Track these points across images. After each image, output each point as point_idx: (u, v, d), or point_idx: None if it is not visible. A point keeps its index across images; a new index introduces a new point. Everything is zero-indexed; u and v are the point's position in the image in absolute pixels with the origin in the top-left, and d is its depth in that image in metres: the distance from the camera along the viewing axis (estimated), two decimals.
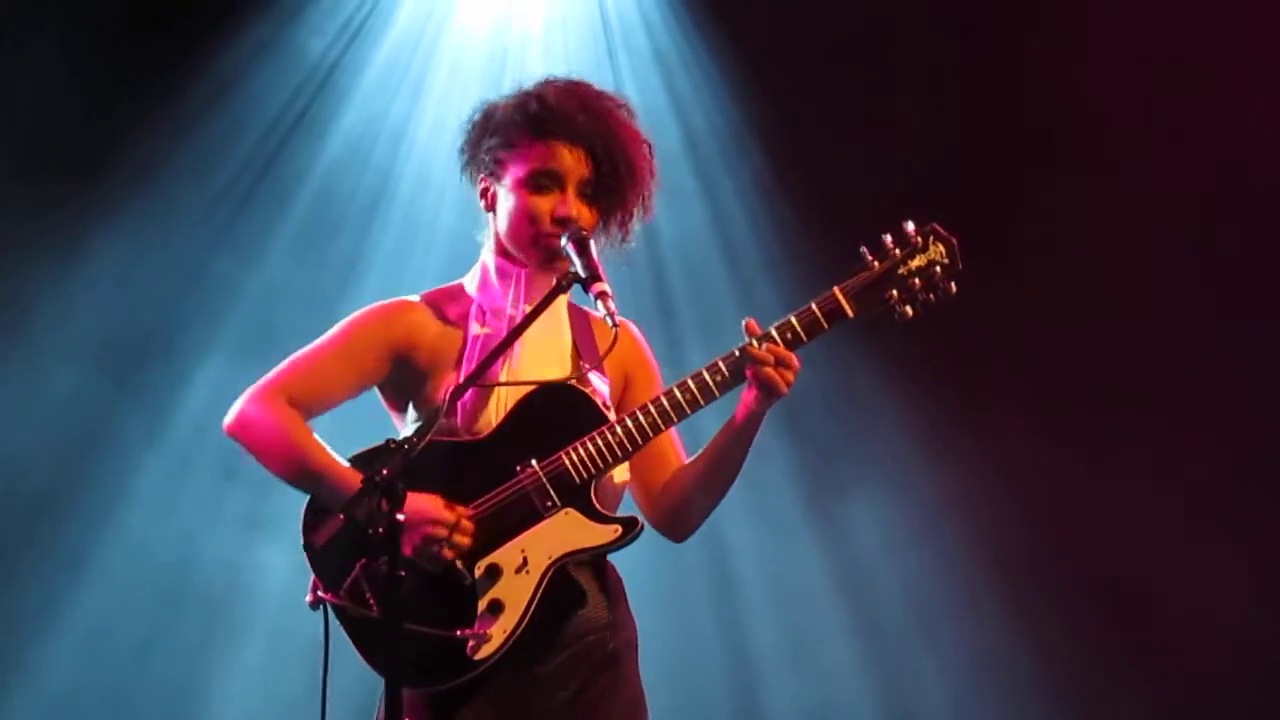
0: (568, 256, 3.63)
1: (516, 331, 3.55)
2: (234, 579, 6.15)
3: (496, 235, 3.82)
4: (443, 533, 3.55)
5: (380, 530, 3.18)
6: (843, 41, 6.26)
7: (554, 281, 3.59)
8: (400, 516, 3.19)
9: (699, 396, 3.63)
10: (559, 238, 3.69)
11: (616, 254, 3.82)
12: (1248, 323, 6.06)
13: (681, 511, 3.84)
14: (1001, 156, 6.15)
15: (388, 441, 3.39)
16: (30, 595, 6.12)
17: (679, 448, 3.90)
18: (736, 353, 3.62)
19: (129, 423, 6.23)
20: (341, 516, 3.24)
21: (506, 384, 3.70)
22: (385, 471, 3.19)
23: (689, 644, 6.19)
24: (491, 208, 3.82)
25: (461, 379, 3.68)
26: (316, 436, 3.71)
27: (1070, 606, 6.13)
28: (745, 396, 3.66)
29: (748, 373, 3.60)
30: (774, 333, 3.62)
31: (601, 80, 6.29)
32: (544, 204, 3.73)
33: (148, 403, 6.24)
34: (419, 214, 6.44)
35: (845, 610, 6.28)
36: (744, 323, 3.64)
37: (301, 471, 3.65)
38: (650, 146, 3.84)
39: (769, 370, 3.58)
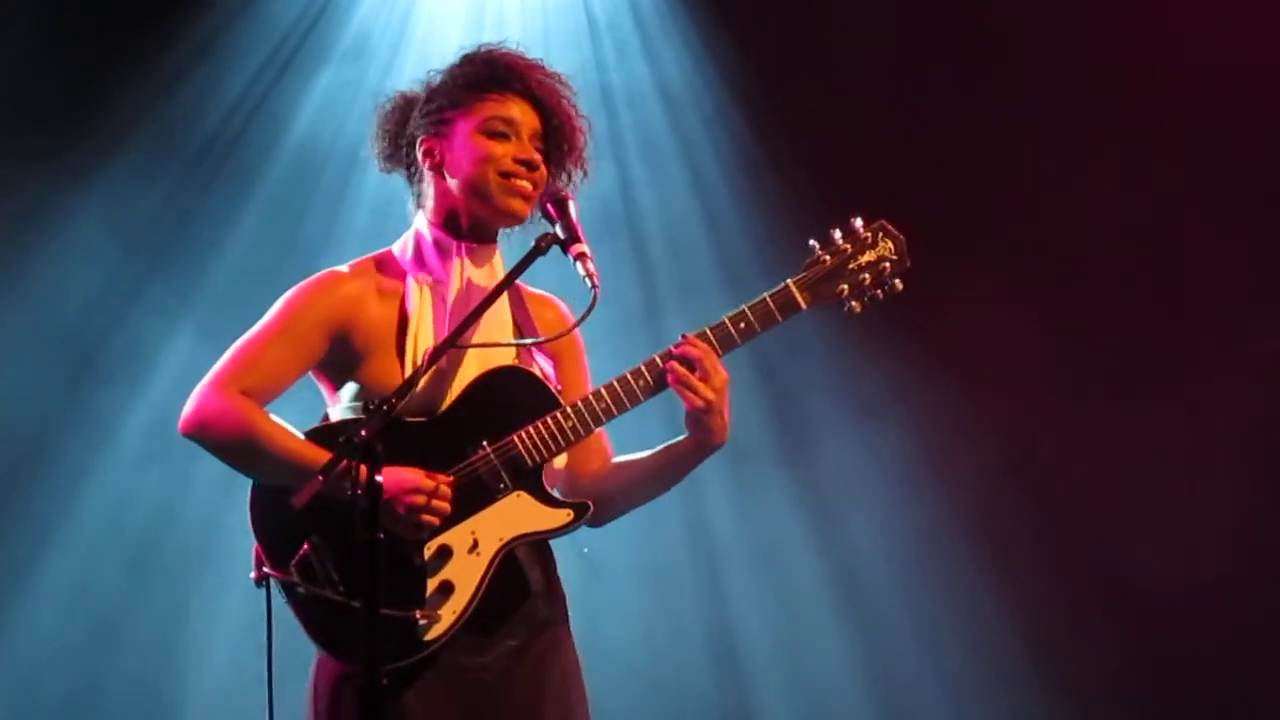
0: (547, 218, 3.60)
1: (493, 295, 3.52)
2: (209, 541, 6.13)
3: (440, 198, 3.78)
4: (423, 500, 3.54)
5: (359, 492, 3.13)
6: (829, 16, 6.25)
7: (534, 243, 3.56)
8: (380, 478, 3.14)
9: (652, 384, 3.64)
10: (524, 180, 3.70)
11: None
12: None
13: (608, 504, 3.82)
14: (989, 128, 6.16)
15: (365, 402, 3.37)
16: (5, 552, 6.10)
17: (605, 437, 3.90)
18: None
19: (100, 392, 6.21)
20: (321, 478, 3.20)
21: (477, 346, 3.67)
22: (364, 433, 3.15)
23: (668, 614, 6.21)
24: (437, 167, 3.77)
25: (406, 356, 3.66)
26: (277, 419, 3.66)
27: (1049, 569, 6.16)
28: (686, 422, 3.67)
29: (668, 380, 3.63)
30: (727, 323, 3.65)
31: (581, 51, 6.46)
32: (502, 149, 3.72)
33: (119, 370, 6.21)
34: (392, 189, 6.40)
35: (826, 575, 6.30)
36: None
37: (272, 460, 3.59)
38: (587, 121, 3.85)
39: (682, 371, 3.59)
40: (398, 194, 6.25)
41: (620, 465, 3.86)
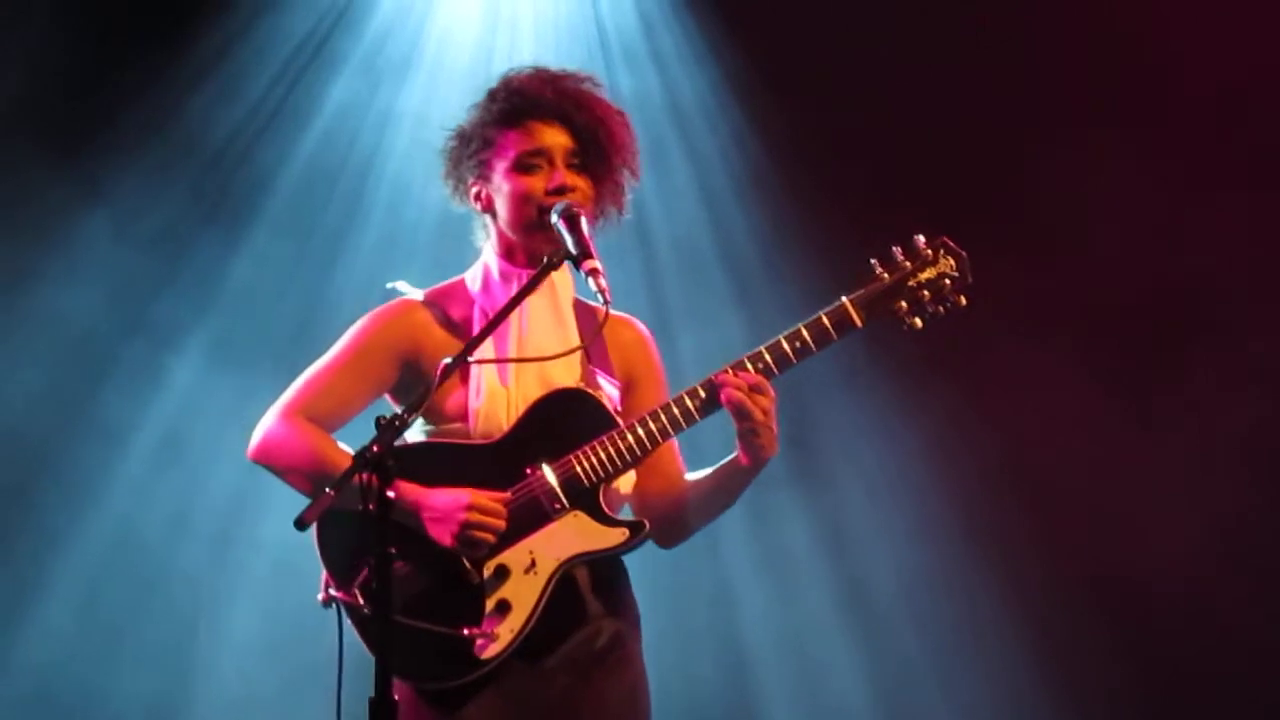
0: (559, 234, 3.62)
1: (506, 310, 3.54)
2: (218, 555, 6.13)
3: (499, 234, 3.84)
4: (476, 518, 3.58)
5: (371, 506, 3.16)
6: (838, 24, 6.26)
7: (544, 258, 3.58)
8: (390, 493, 3.17)
9: (706, 403, 3.67)
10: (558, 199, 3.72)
11: (616, 227, 3.87)
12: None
13: (677, 525, 3.87)
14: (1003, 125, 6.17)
15: (378, 418, 3.39)
16: (11, 575, 6.10)
17: (678, 457, 3.92)
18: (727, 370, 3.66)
19: (110, 404, 6.20)
20: (332, 492, 3.21)
21: (504, 360, 3.71)
22: (375, 447, 3.17)
23: (678, 626, 6.21)
24: (488, 208, 3.84)
25: (471, 382, 3.72)
26: (342, 446, 3.72)
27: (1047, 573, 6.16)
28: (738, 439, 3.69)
29: (721, 399, 3.64)
30: (783, 342, 3.66)
31: (593, 64, 6.46)
32: (536, 182, 3.75)
33: (129, 383, 6.21)
34: (403, 201, 6.42)
35: (835, 588, 6.30)
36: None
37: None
38: (623, 112, 3.88)
39: (738, 394, 3.61)
40: (407, 211, 6.37)
41: (688, 483, 3.87)
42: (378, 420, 3.31)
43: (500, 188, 3.78)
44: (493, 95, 3.84)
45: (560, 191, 3.73)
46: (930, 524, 6.21)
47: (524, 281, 3.72)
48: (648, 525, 3.69)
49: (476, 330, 3.75)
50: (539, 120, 3.78)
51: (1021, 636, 6.14)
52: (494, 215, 3.84)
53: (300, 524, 3.26)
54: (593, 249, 3.59)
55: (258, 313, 6.21)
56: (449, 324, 3.82)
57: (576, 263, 3.57)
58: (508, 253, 3.83)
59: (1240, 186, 6.06)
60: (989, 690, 6.17)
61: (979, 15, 6.18)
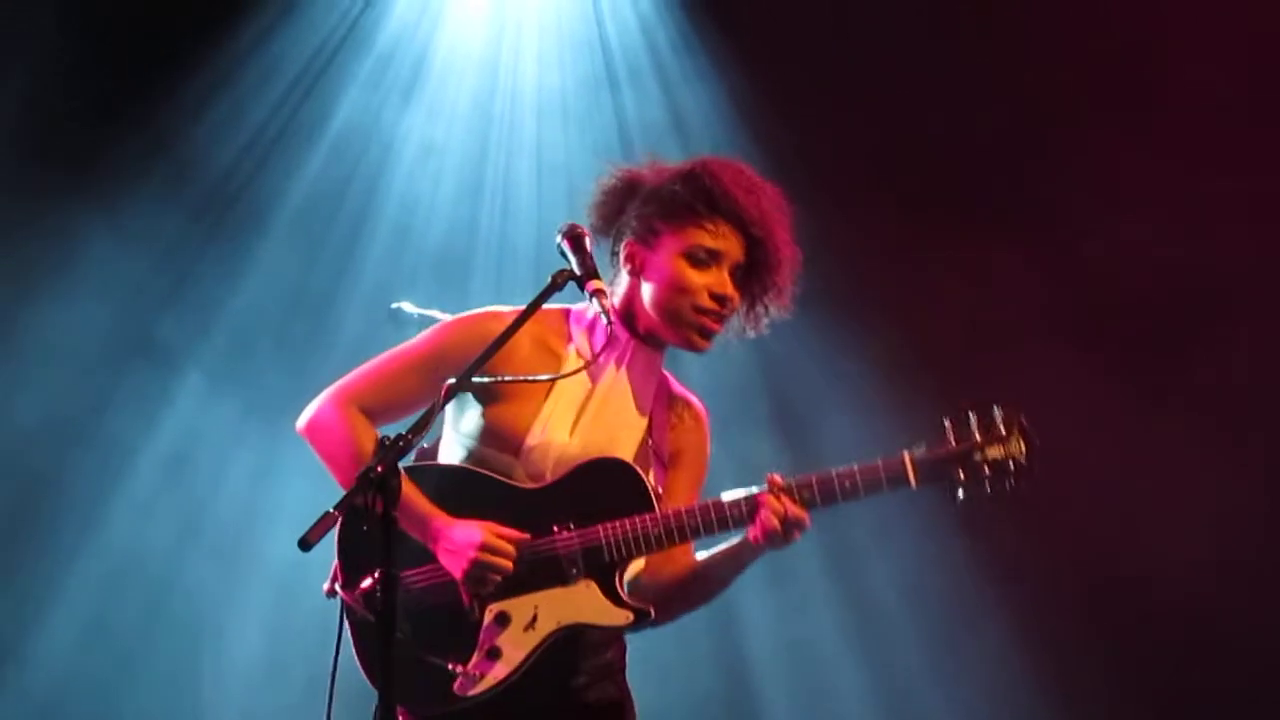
0: (563, 254, 3.61)
1: (513, 328, 3.52)
2: (225, 574, 6.14)
3: (630, 297, 3.77)
4: (489, 559, 3.58)
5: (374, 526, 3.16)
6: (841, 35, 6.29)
7: (549, 279, 3.57)
8: (395, 513, 3.17)
9: (745, 518, 3.65)
10: (713, 323, 3.71)
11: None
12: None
13: (678, 602, 3.86)
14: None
15: (381, 438, 3.38)
16: (18, 596, 6.11)
17: (691, 545, 3.87)
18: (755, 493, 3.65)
19: (119, 418, 6.22)
20: (336, 513, 3.20)
21: (500, 380, 3.66)
22: (379, 468, 3.17)
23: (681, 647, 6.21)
24: (637, 273, 3.77)
25: (538, 421, 3.70)
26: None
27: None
28: (750, 534, 3.66)
29: (757, 515, 3.62)
30: (834, 479, 3.62)
31: (598, 87, 6.48)
32: (700, 278, 3.71)
33: (135, 402, 6.22)
34: (410, 214, 6.45)
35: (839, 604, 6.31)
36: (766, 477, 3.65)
37: None
38: (799, 252, 3.81)
39: (774, 521, 3.60)
40: (412, 231, 6.38)
41: (694, 562, 3.84)
42: (381, 440, 3.30)
43: (663, 265, 3.72)
44: (692, 175, 3.75)
45: (722, 302, 3.71)
46: (933, 533, 6.20)
47: (630, 351, 3.75)
48: (652, 614, 3.68)
49: (565, 366, 3.73)
50: (728, 222, 3.72)
51: (1025, 645, 6.14)
52: (637, 280, 3.76)
53: (304, 544, 3.25)
54: (597, 270, 3.58)
55: (262, 332, 6.21)
56: (536, 346, 3.77)
57: (581, 284, 3.56)
58: (625, 315, 3.78)
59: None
60: (991, 701, 6.15)
61: (979, 18, 6.22)
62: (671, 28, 6.50)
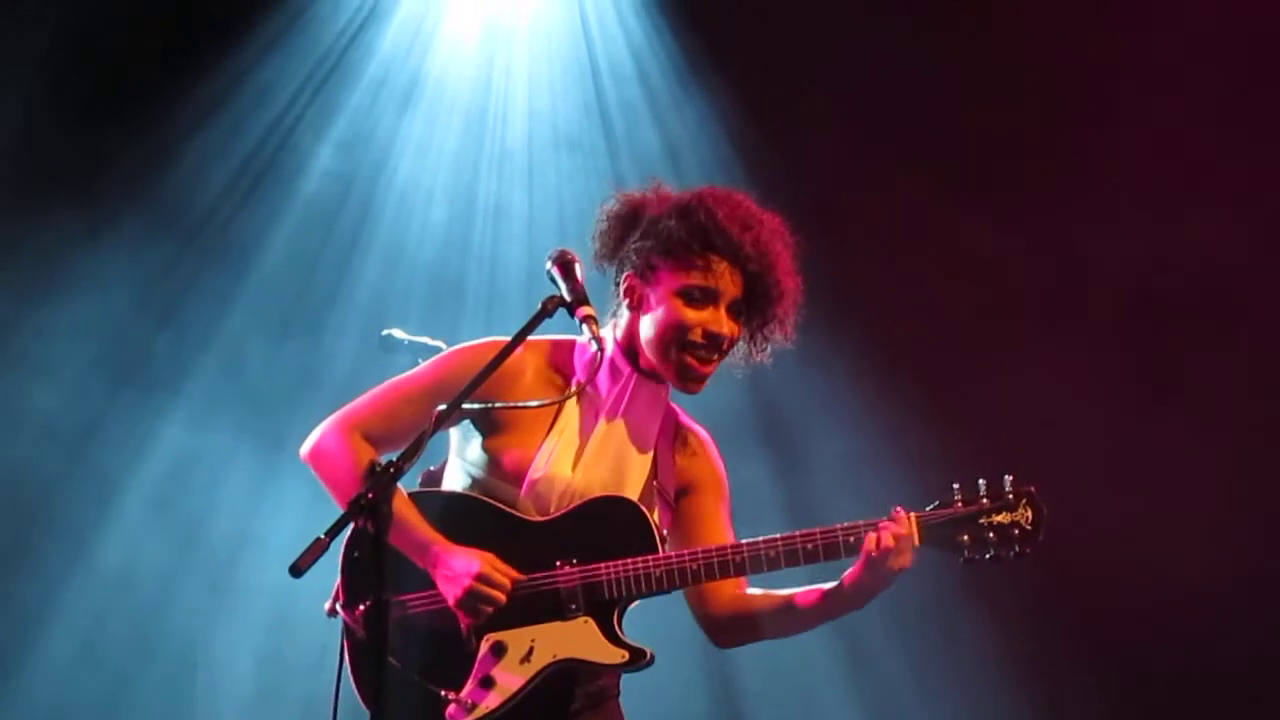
0: (553, 280, 3.62)
1: (505, 352, 3.53)
2: (218, 603, 6.14)
3: (629, 330, 3.76)
4: (484, 589, 3.59)
5: (364, 551, 3.26)
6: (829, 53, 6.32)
7: (540, 306, 3.57)
8: (389, 539, 3.21)
9: (750, 569, 3.67)
10: (703, 365, 3.71)
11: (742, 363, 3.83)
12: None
13: (746, 633, 3.87)
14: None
15: (371, 464, 3.39)
16: (15, 614, 6.11)
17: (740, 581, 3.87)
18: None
19: (110, 445, 6.20)
20: (326, 539, 3.22)
21: (492, 405, 3.66)
22: (370, 495, 3.19)
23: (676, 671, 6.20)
24: (636, 307, 3.76)
25: (541, 454, 3.71)
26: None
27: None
28: (855, 575, 3.66)
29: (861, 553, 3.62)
30: (839, 535, 3.63)
31: (588, 110, 6.50)
32: (695, 316, 3.70)
33: (126, 431, 6.21)
34: (403, 237, 6.46)
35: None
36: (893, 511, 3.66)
37: None
38: (800, 284, 3.80)
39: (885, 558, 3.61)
40: (399, 261, 6.39)
41: (770, 599, 3.83)
42: (371, 465, 3.32)
43: (659, 300, 3.71)
44: (689, 210, 3.72)
45: (713, 339, 3.71)
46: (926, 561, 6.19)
47: (631, 384, 3.74)
48: (648, 656, 3.68)
49: (566, 403, 3.73)
50: (725, 259, 3.69)
51: (1010, 658, 6.12)
52: (636, 313, 3.76)
53: (295, 570, 3.27)
54: (587, 296, 3.59)
55: (251, 366, 6.22)
56: (540, 377, 3.76)
57: (571, 309, 3.57)
58: (627, 350, 3.78)
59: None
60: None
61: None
62: (661, 52, 6.52)
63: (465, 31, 6.58)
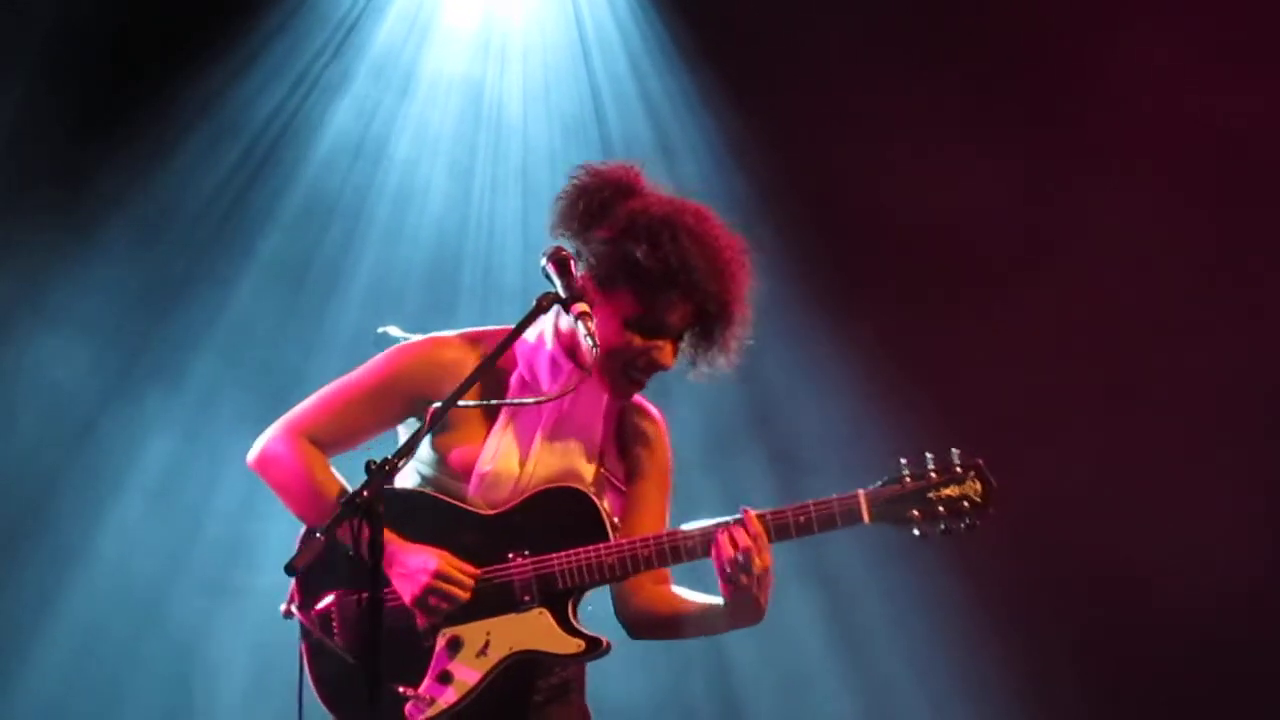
0: (548, 277, 3.61)
1: (497, 352, 3.54)
2: (214, 605, 6.13)
3: (571, 332, 3.71)
4: (444, 587, 3.60)
5: (361, 553, 3.20)
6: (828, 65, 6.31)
7: (535, 302, 3.58)
8: (381, 540, 3.20)
9: (699, 551, 3.66)
10: (638, 387, 3.74)
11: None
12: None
13: (652, 628, 3.88)
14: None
15: (367, 462, 3.39)
16: (10, 617, 6.10)
17: (666, 572, 3.88)
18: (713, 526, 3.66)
19: (104, 450, 6.20)
20: (322, 538, 3.23)
21: (487, 404, 3.70)
22: (365, 493, 3.20)
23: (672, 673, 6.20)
24: (583, 313, 3.63)
25: (488, 448, 3.71)
26: (335, 473, 3.74)
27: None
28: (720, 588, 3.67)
29: (711, 555, 3.64)
30: (789, 515, 3.65)
31: (581, 105, 6.49)
32: (642, 344, 3.70)
33: (119, 432, 6.21)
34: (398, 235, 6.45)
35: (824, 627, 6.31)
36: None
37: (318, 511, 3.68)
38: (749, 315, 3.78)
39: (727, 553, 3.60)
40: (398, 257, 6.38)
41: (671, 597, 3.86)
42: (367, 465, 3.31)
43: (610, 320, 3.68)
44: (659, 240, 3.67)
45: (655, 369, 3.72)
46: (920, 554, 6.19)
47: (571, 380, 3.71)
48: (604, 644, 3.70)
49: (511, 393, 3.74)
50: (681, 296, 3.67)
51: (1011, 657, 6.13)
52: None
53: (290, 569, 3.27)
54: (581, 293, 3.58)
55: (249, 360, 6.21)
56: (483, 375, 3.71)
57: (566, 306, 3.57)
58: (569, 349, 3.76)
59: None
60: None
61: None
62: (659, 59, 6.51)
63: (459, 32, 6.57)
